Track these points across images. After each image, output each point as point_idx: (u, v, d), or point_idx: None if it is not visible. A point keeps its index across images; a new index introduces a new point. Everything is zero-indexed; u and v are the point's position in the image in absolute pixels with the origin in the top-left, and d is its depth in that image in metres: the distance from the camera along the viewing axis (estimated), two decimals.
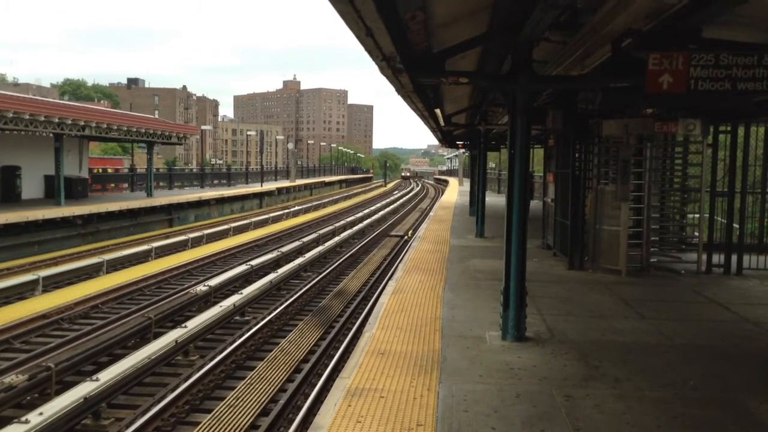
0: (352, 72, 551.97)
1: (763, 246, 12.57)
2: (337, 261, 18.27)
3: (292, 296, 13.53)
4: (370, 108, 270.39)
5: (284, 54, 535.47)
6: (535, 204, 22.23)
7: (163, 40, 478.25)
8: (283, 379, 8.55)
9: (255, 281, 14.08)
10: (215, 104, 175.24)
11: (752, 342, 7.54)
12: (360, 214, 32.48)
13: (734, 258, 11.64)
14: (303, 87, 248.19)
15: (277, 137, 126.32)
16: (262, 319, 11.56)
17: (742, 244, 11.84)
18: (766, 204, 12.49)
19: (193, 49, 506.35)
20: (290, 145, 73.22)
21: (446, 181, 74.54)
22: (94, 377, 7.65)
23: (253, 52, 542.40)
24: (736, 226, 11.96)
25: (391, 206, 39.98)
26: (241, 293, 12.46)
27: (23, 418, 6.46)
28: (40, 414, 6.60)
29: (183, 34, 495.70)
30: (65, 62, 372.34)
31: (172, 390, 8.15)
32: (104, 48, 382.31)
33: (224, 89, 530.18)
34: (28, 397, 7.82)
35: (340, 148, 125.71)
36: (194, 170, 57.98)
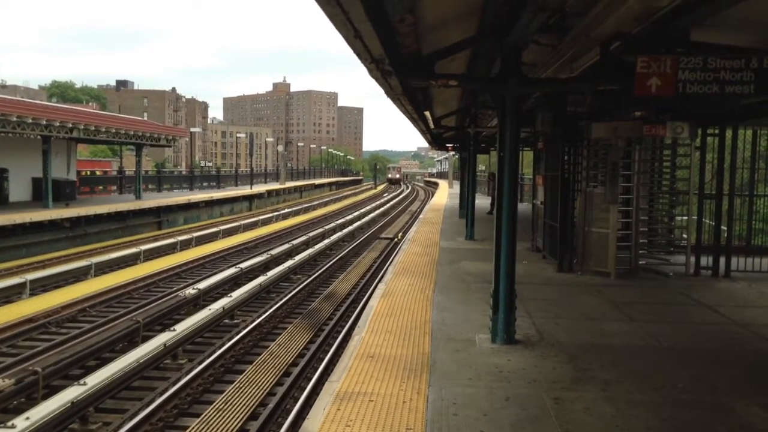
0: (342, 74, 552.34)
1: (750, 248, 12.65)
2: (326, 264, 18.24)
3: (281, 299, 13.49)
4: (359, 110, 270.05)
5: (273, 56, 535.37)
6: (524, 206, 22.28)
7: (150, 42, 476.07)
8: (273, 383, 8.51)
9: (244, 284, 14.04)
10: (205, 106, 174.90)
11: (740, 344, 7.57)
12: (350, 217, 32.47)
13: (722, 260, 11.71)
14: (293, 89, 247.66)
15: (267, 139, 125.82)
16: (252, 322, 11.51)
17: (730, 246, 11.92)
18: (754, 206, 12.58)
19: (181, 51, 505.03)
20: (280, 148, 73.24)
21: (436, 184, 74.66)
22: (81, 381, 7.61)
23: (242, 54, 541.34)
24: (724, 228, 12.04)
25: (381, 209, 39.97)
26: (231, 296, 12.42)
27: (9, 423, 6.42)
28: (27, 418, 6.56)
29: (171, 36, 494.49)
30: (51, 64, 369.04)
31: (161, 394, 8.11)
32: (90, 50, 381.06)
33: (213, 91, 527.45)
34: (15, 402, 7.76)
35: (330, 150, 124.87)
36: (183, 172, 57.76)
